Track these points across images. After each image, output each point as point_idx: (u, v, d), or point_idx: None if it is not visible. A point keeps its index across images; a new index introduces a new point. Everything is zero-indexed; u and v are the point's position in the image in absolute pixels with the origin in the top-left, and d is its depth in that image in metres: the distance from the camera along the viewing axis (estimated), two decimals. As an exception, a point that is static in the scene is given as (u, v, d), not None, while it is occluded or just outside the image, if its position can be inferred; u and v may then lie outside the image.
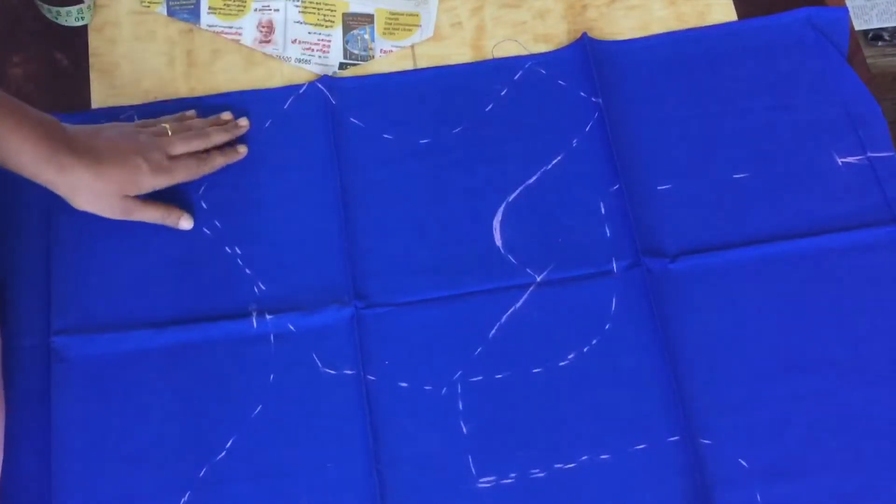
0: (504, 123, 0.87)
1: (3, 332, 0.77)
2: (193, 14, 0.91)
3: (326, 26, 0.91)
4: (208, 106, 0.86)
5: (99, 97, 0.87)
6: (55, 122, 0.75)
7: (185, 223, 0.81)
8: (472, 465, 0.76)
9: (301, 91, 0.87)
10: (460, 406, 0.77)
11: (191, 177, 0.81)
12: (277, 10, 0.91)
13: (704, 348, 0.80)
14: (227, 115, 0.85)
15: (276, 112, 0.87)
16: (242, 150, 0.84)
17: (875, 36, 1.22)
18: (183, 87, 0.88)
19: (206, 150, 0.83)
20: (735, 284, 0.82)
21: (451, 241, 0.83)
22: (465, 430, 0.77)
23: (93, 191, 0.75)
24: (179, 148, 0.80)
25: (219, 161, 0.83)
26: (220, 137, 0.83)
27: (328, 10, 0.92)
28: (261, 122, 0.86)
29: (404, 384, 0.78)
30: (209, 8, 0.91)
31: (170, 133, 0.81)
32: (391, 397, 0.77)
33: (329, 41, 0.91)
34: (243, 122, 0.85)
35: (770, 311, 0.81)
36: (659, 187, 0.86)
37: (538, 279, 0.82)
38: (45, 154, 0.72)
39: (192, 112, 0.85)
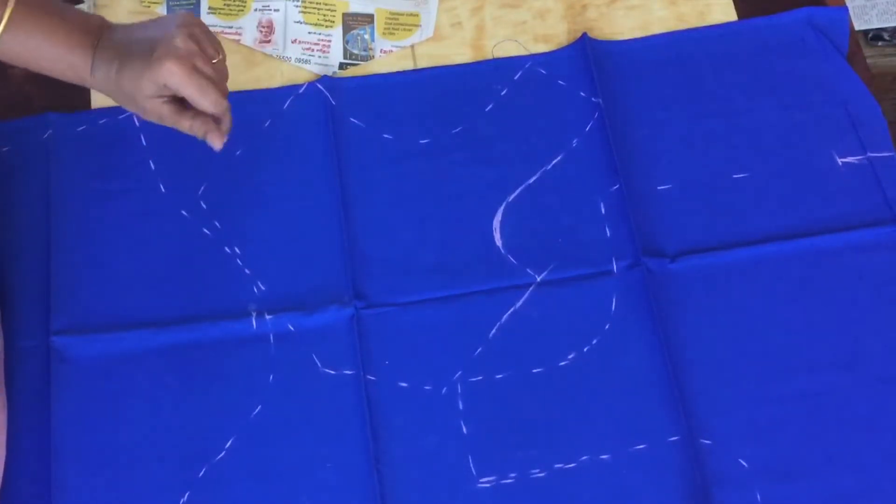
0: (504, 123, 0.87)
1: (3, 333, 0.77)
2: (193, 14, 0.91)
3: (326, 26, 0.91)
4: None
5: (99, 97, 0.87)
6: (99, 18, 0.70)
7: (216, 141, 0.71)
8: (472, 464, 0.76)
9: (300, 91, 0.88)
10: (460, 406, 0.77)
11: (219, 111, 0.70)
12: (277, 10, 0.91)
13: (704, 348, 0.80)
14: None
15: (276, 112, 0.87)
16: (219, 144, 0.72)
17: (875, 36, 1.21)
18: (183, 88, 0.88)
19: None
20: (735, 284, 0.82)
21: (451, 242, 0.83)
22: (465, 430, 0.77)
23: (118, 94, 0.69)
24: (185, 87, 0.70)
25: (197, 126, 0.71)
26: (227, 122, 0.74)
27: (328, 10, 0.92)
28: (260, 122, 0.86)
29: (404, 384, 0.78)
30: (209, 8, 0.91)
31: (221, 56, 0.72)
32: (391, 397, 0.77)
33: (329, 41, 0.91)
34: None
35: (770, 311, 0.81)
36: (659, 187, 0.86)
37: (538, 279, 0.82)
38: (81, 57, 0.67)
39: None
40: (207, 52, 0.70)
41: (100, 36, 0.68)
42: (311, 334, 0.79)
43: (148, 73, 0.67)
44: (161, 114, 0.70)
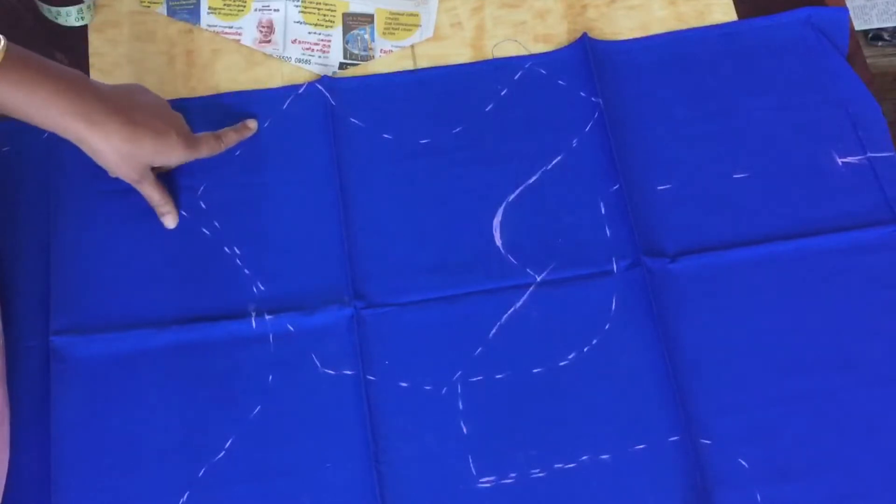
0: (504, 123, 0.87)
1: (3, 333, 0.77)
2: (193, 14, 0.91)
3: (326, 26, 0.91)
4: (208, 106, 0.86)
5: (99, 97, 0.87)
6: (81, 75, 0.73)
7: (170, 221, 0.81)
8: (472, 464, 0.76)
9: (300, 91, 0.87)
10: (460, 406, 0.77)
11: (211, 153, 0.82)
12: (277, 10, 0.91)
13: (704, 348, 0.80)
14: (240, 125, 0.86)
15: (275, 112, 0.87)
16: (252, 124, 0.85)
17: (875, 36, 1.22)
18: (183, 87, 0.88)
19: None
20: (735, 284, 0.82)
21: (451, 242, 0.83)
22: (465, 430, 0.77)
23: (121, 153, 0.73)
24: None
25: (232, 137, 0.83)
26: (228, 134, 0.84)
27: (328, 10, 0.92)
28: (260, 122, 0.86)
29: (404, 384, 0.78)
30: (209, 8, 0.91)
31: None
32: (391, 397, 0.77)
33: (329, 41, 0.91)
34: (251, 123, 0.86)
35: (770, 311, 0.81)
36: (659, 187, 0.86)
37: (538, 279, 0.82)
38: (73, 106, 0.70)
39: None
40: None
41: (86, 92, 0.71)
42: (311, 334, 0.79)
43: (178, 150, 0.77)
44: (149, 180, 0.79)
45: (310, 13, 0.92)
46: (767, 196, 0.86)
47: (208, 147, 0.81)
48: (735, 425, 0.77)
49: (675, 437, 0.77)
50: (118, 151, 0.73)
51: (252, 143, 0.85)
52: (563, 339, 0.80)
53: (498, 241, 0.83)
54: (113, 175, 0.76)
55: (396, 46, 0.91)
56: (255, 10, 0.91)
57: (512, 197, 0.85)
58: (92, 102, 0.71)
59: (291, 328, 0.79)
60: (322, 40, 0.91)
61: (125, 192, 0.82)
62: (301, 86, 0.88)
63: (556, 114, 0.88)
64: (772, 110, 0.89)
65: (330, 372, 0.78)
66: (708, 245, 0.83)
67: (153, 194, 0.79)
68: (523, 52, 0.91)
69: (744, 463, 0.76)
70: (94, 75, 0.88)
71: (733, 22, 0.93)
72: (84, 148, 0.73)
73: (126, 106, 0.73)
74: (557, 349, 0.79)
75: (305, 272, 0.81)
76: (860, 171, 0.87)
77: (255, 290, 0.80)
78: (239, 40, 0.90)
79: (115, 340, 0.78)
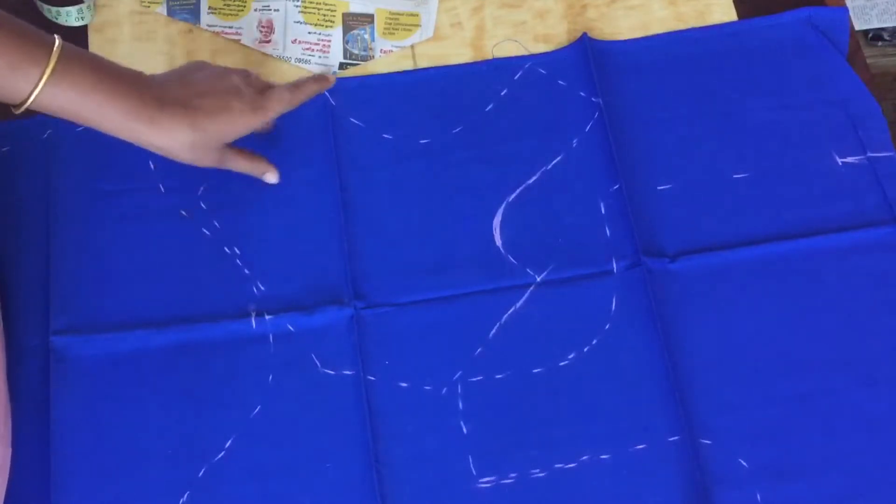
0: (504, 123, 0.87)
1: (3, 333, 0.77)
2: (193, 14, 0.91)
3: (326, 26, 0.91)
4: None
5: (99, 97, 0.87)
6: (139, 74, 0.72)
7: (272, 177, 0.81)
8: (472, 464, 0.76)
9: (298, 91, 0.87)
10: (460, 406, 0.77)
11: (287, 107, 0.79)
12: (277, 10, 0.91)
13: (704, 348, 0.80)
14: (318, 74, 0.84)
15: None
16: (332, 77, 0.84)
17: (875, 36, 1.22)
18: (183, 88, 0.88)
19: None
20: (735, 284, 0.82)
21: (451, 241, 0.83)
22: (465, 430, 0.77)
23: (190, 143, 0.72)
24: (268, 82, 0.79)
25: (312, 87, 0.81)
26: (307, 84, 0.82)
27: (328, 10, 0.92)
28: (258, 121, 0.86)
29: (404, 384, 0.78)
30: (209, 8, 0.91)
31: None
32: (391, 397, 0.77)
33: (329, 41, 0.91)
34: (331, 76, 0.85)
35: (770, 311, 0.81)
36: (659, 187, 0.86)
37: (538, 279, 0.82)
38: (133, 110, 0.69)
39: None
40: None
41: (146, 91, 0.70)
42: (311, 334, 0.79)
43: (247, 121, 0.75)
44: (228, 158, 0.77)
45: (310, 13, 0.92)
46: (767, 196, 0.86)
47: (280, 103, 0.77)
48: (735, 425, 0.77)
49: (675, 437, 0.77)
50: (184, 144, 0.72)
51: (251, 143, 0.85)
52: (563, 339, 0.80)
53: (498, 241, 0.83)
54: (195, 164, 0.75)
55: (396, 46, 0.91)
56: (255, 10, 0.91)
57: (512, 197, 0.85)
58: (149, 101, 0.70)
59: (291, 328, 0.79)
60: (322, 40, 0.91)
61: (125, 192, 0.82)
62: (299, 86, 0.88)
63: (556, 114, 0.88)
64: (772, 110, 0.89)
65: (330, 372, 0.78)
66: (708, 245, 0.83)
67: (241, 166, 0.79)
68: (523, 52, 0.91)
69: (744, 463, 0.76)
70: (94, 75, 0.88)
71: (733, 22, 0.93)
72: (150, 148, 0.72)
73: (183, 95, 0.72)
74: (557, 349, 0.79)
75: (305, 272, 0.81)
76: (860, 171, 0.87)
77: (254, 290, 0.80)
78: (239, 40, 0.90)
79: (115, 340, 0.78)
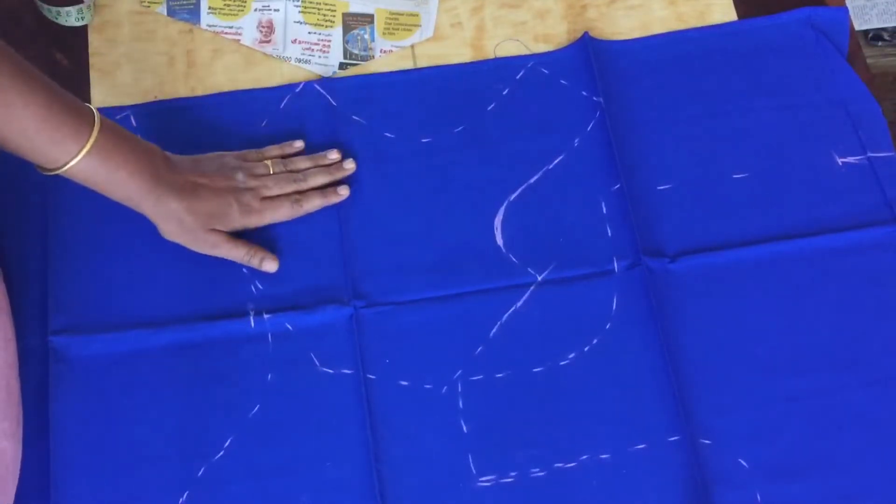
0: (506, 123, 0.87)
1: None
2: (193, 14, 0.91)
3: (326, 26, 0.91)
4: (207, 106, 0.86)
5: (99, 97, 0.87)
6: (158, 151, 0.76)
7: (269, 265, 0.80)
8: (472, 464, 0.76)
9: (297, 90, 0.87)
10: (461, 405, 0.77)
11: (283, 219, 0.81)
12: (277, 10, 0.91)
13: (704, 348, 0.80)
14: (333, 155, 0.84)
15: (273, 111, 0.87)
16: (344, 191, 0.83)
17: (875, 36, 1.21)
18: (183, 87, 0.88)
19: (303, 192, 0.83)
20: (735, 284, 0.82)
21: (452, 241, 0.83)
22: (465, 428, 0.77)
23: (182, 224, 0.77)
24: (274, 190, 0.81)
25: (316, 203, 0.82)
26: (318, 179, 0.83)
27: (328, 10, 0.92)
28: (257, 121, 0.86)
29: (405, 383, 0.78)
30: (209, 8, 0.91)
31: (271, 170, 0.82)
32: (391, 396, 0.77)
33: (329, 41, 0.91)
34: (349, 164, 0.84)
35: (770, 311, 0.81)
36: (659, 187, 0.85)
37: (539, 278, 0.82)
38: (147, 188, 0.74)
39: (299, 143, 0.85)
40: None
41: (157, 170, 0.75)
42: (310, 333, 0.79)
43: (239, 219, 0.79)
44: (222, 243, 0.79)
45: (310, 13, 0.92)
46: (767, 196, 0.86)
47: (276, 213, 0.81)
48: (735, 425, 0.77)
49: (675, 437, 0.77)
50: (179, 223, 0.77)
51: (250, 142, 0.85)
52: (563, 339, 0.80)
53: (499, 241, 0.83)
54: (187, 246, 0.79)
55: (396, 46, 0.91)
56: (255, 10, 0.91)
57: (513, 196, 0.85)
58: (165, 181, 0.75)
59: (290, 327, 0.79)
60: (322, 40, 0.91)
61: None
62: (298, 85, 0.88)
63: (558, 113, 0.88)
64: (772, 110, 0.89)
65: (329, 371, 0.78)
66: (708, 245, 0.83)
67: (235, 254, 0.79)
68: (525, 52, 0.91)
69: (743, 463, 0.76)
70: (94, 75, 0.88)
71: (733, 22, 0.93)
72: (150, 219, 0.77)
73: (191, 184, 0.77)
74: (558, 348, 0.79)
75: (304, 271, 0.81)
76: (860, 171, 0.87)
77: (253, 289, 0.80)
78: (239, 40, 0.90)
79: (114, 340, 0.78)
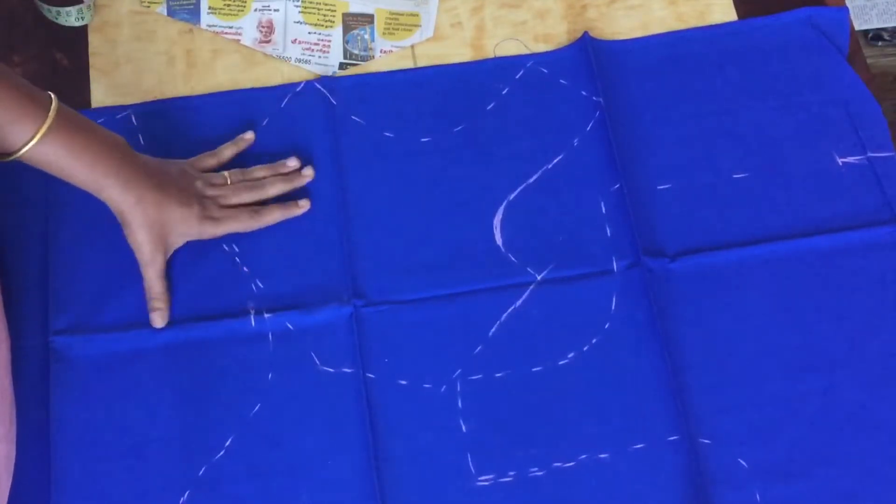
0: (505, 122, 0.87)
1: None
2: (193, 14, 0.91)
3: (326, 26, 0.92)
4: (208, 105, 0.86)
5: (99, 97, 0.87)
6: (124, 142, 0.75)
7: (158, 320, 0.78)
8: (471, 463, 0.76)
9: (298, 89, 0.88)
10: (460, 404, 0.77)
11: (242, 229, 0.81)
12: (277, 10, 0.92)
13: (704, 348, 0.80)
14: (292, 163, 0.84)
15: (273, 111, 0.87)
16: (304, 203, 0.83)
17: (875, 36, 1.22)
18: (183, 87, 0.88)
19: (264, 202, 0.83)
20: (735, 284, 0.82)
21: (451, 240, 0.83)
22: (464, 428, 0.77)
23: (147, 217, 0.75)
24: (232, 200, 0.81)
25: (276, 215, 0.81)
26: (276, 189, 0.82)
27: (328, 10, 0.92)
28: (258, 120, 0.86)
29: (404, 382, 0.78)
30: (209, 8, 0.91)
31: (228, 180, 0.81)
32: (391, 395, 0.77)
33: (329, 41, 0.91)
34: (307, 171, 0.84)
35: (770, 311, 0.81)
36: (659, 187, 0.86)
37: (538, 278, 0.82)
38: (114, 170, 0.73)
39: (250, 135, 0.85)
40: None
41: (124, 158, 0.74)
42: (310, 332, 0.79)
43: (203, 230, 0.78)
44: (160, 263, 0.78)
45: (310, 13, 0.92)
46: (767, 196, 0.86)
47: (235, 223, 0.80)
48: (735, 425, 0.77)
49: (675, 437, 0.77)
50: (146, 215, 0.75)
51: (252, 146, 0.85)
52: (562, 338, 0.80)
53: (498, 240, 0.83)
54: (135, 246, 0.77)
55: (396, 46, 0.91)
56: (255, 10, 0.91)
57: (513, 196, 0.85)
58: (131, 168, 0.74)
59: (291, 326, 0.79)
60: (322, 40, 0.91)
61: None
62: (299, 84, 0.88)
63: (558, 113, 0.88)
64: (772, 110, 0.89)
65: (329, 370, 0.78)
66: (708, 245, 0.83)
67: (155, 283, 0.78)
68: (525, 52, 0.91)
69: (743, 462, 0.76)
70: (94, 75, 0.88)
71: (733, 22, 0.93)
72: (115, 210, 0.75)
73: (158, 172, 0.76)
74: (557, 348, 0.79)
75: (304, 270, 0.81)
76: (860, 171, 0.87)
77: (254, 288, 0.80)
78: (239, 40, 0.90)
79: (114, 340, 0.78)
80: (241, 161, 0.84)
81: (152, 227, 0.76)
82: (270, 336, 0.79)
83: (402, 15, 0.92)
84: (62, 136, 0.70)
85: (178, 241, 0.79)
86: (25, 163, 0.70)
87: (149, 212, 0.75)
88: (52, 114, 0.69)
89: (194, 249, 0.81)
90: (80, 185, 0.73)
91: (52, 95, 0.70)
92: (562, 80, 0.89)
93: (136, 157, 0.76)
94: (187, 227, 0.78)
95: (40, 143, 0.69)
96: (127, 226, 0.76)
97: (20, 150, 0.69)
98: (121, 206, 0.74)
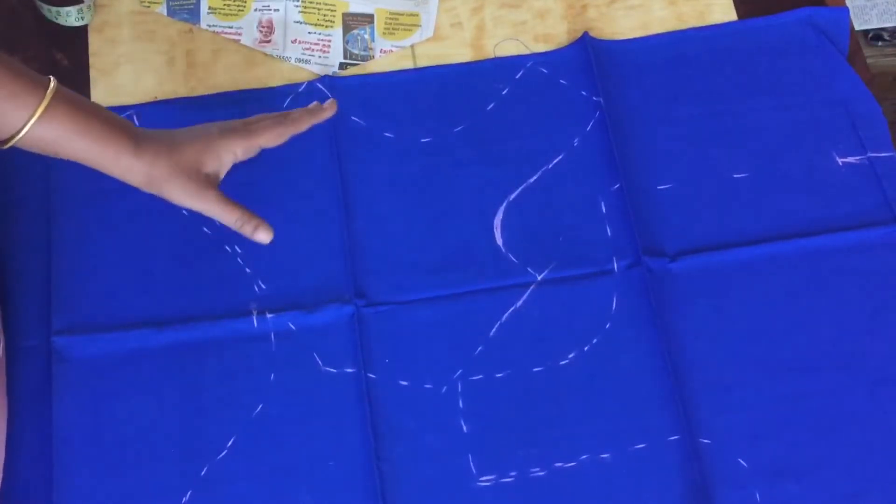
0: (505, 122, 0.87)
1: (4, 333, 0.77)
2: (193, 14, 0.91)
3: (326, 26, 0.92)
4: (211, 106, 0.86)
5: (99, 97, 0.87)
6: (127, 120, 0.72)
7: (263, 235, 0.74)
8: (472, 463, 0.76)
9: (300, 90, 0.88)
10: (461, 405, 0.77)
11: (274, 139, 0.75)
12: (277, 10, 0.92)
13: (704, 348, 0.80)
14: (312, 105, 0.80)
15: (276, 111, 0.86)
16: (330, 105, 0.78)
17: (875, 36, 1.21)
18: (183, 87, 0.88)
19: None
20: (735, 284, 0.82)
21: (451, 240, 0.83)
22: (465, 428, 0.77)
23: (169, 168, 0.70)
24: (257, 124, 0.75)
25: (304, 119, 0.76)
26: (305, 122, 0.77)
27: (328, 10, 0.92)
28: (260, 121, 0.86)
29: (405, 382, 0.78)
30: (209, 8, 0.91)
31: None
32: (392, 396, 0.77)
33: (329, 41, 0.91)
34: (330, 104, 0.79)
35: (770, 310, 0.82)
36: (659, 187, 0.86)
37: (539, 278, 0.82)
38: (120, 143, 0.68)
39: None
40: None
41: (131, 127, 0.70)
42: (312, 333, 0.79)
43: (226, 141, 0.72)
44: (215, 198, 0.72)
45: (310, 13, 0.92)
46: (767, 196, 0.86)
47: (266, 131, 0.74)
48: (735, 425, 0.78)
49: (675, 437, 0.77)
50: (167, 168, 0.70)
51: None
52: (563, 339, 0.80)
53: (499, 240, 0.83)
54: (179, 203, 0.72)
55: (396, 46, 0.91)
56: (255, 10, 0.91)
57: (513, 196, 0.85)
58: (137, 133, 0.70)
59: (293, 326, 0.79)
60: (322, 40, 0.91)
61: (125, 191, 0.81)
62: (301, 84, 0.88)
63: (558, 113, 0.88)
64: (772, 110, 0.89)
65: (331, 370, 0.78)
66: (708, 245, 0.84)
67: (228, 215, 0.73)
68: (525, 52, 0.91)
69: (743, 462, 0.76)
70: (94, 75, 0.88)
71: (733, 22, 0.93)
72: (135, 182, 0.70)
73: (166, 132, 0.72)
74: (558, 348, 0.80)
75: (306, 271, 0.81)
76: (860, 171, 0.87)
77: (256, 288, 0.80)
78: (239, 40, 0.90)
79: (116, 340, 0.78)
80: (247, 162, 0.84)
81: (180, 175, 0.70)
82: (273, 336, 0.79)
83: (402, 15, 0.92)
84: (65, 112, 0.66)
85: (216, 170, 0.73)
86: (33, 148, 0.67)
87: (170, 163, 0.70)
88: (51, 89, 0.66)
89: (196, 249, 0.81)
90: (90, 163, 0.69)
91: (52, 77, 0.67)
92: (562, 80, 0.89)
93: (143, 129, 0.71)
94: (217, 151, 0.72)
95: (44, 120, 0.66)
96: (158, 190, 0.70)
97: (24, 127, 0.65)
98: (137, 172, 0.70)
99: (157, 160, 0.70)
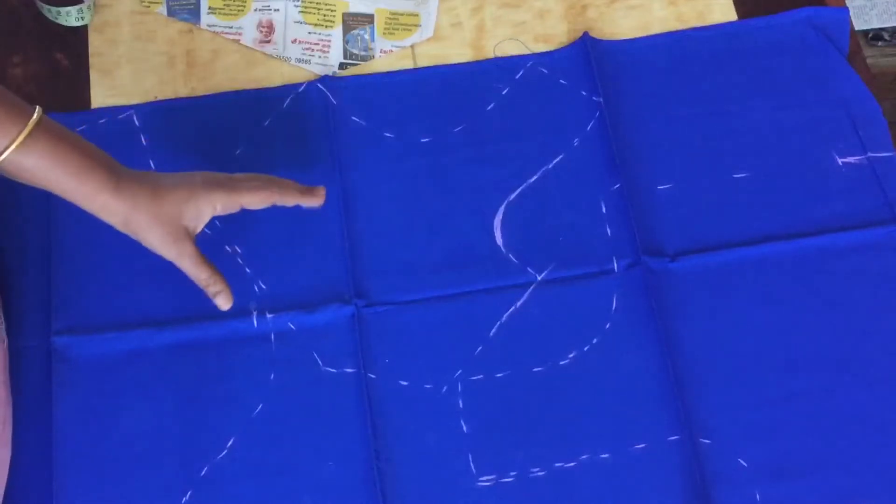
0: (505, 122, 0.87)
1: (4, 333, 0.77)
2: (193, 14, 0.91)
3: (326, 26, 0.91)
4: (211, 106, 0.86)
5: (99, 97, 0.87)
6: (109, 155, 0.71)
7: (223, 301, 0.74)
8: (472, 463, 0.76)
9: (300, 90, 0.88)
10: (460, 405, 0.77)
11: (257, 202, 0.73)
12: (277, 10, 0.92)
13: (704, 348, 0.80)
14: (306, 187, 0.77)
15: (275, 111, 0.87)
16: (321, 194, 0.76)
17: (875, 36, 1.22)
18: (183, 87, 0.88)
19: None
20: (735, 284, 0.82)
21: (451, 240, 0.83)
22: (465, 428, 0.77)
23: (149, 215, 0.69)
24: (245, 181, 0.74)
25: (291, 194, 0.74)
26: (293, 195, 0.75)
27: (328, 10, 0.92)
28: (260, 121, 0.86)
29: (405, 382, 0.78)
30: (209, 8, 0.91)
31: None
32: (392, 396, 0.77)
33: (329, 41, 0.91)
34: (320, 191, 0.77)
35: (770, 310, 0.82)
36: (659, 187, 0.86)
37: (539, 278, 0.82)
38: (102, 176, 0.68)
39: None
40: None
41: (114, 166, 0.69)
42: (312, 333, 0.79)
43: (209, 195, 0.71)
44: (190, 251, 0.71)
45: (310, 13, 0.92)
46: (767, 196, 0.86)
47: (250, 191, 0.72)
48: (735, 425, 0.78)
49: (675, 437, 0.77)
50: (146, 213, 0.69)
51: (252, 141, 0.85)
52: (563, 338, 0.80)
53: (499, 240, 0.83)
54: (153, 249, 0.71)
55: (396, 46, 0.91)
56: (255, 10, 0.91)
57: (513, 196, 0.85)
58: (119, 172, 0.69)
59: (293, 326, 0.79)
60: (322, 40, 0.91)
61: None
62: (301, 85, 0.88)
63: (558, 113, 0.88)
64: (772, 110, 0.89)
65: (331, 370, 0.78)
66: (708, 245, 0.84)
67: (197, 271, 0.72)
68: (525, 52, 0.91)
69: (743, 462, 0.76)
70: (94, 76, 0.88)
71: (733, 22, 0.93)
72: (113, 221, 0.70)
73: (151, 176, 0.71)
74: (558, 348, 0.80)
75: (306, 271, 0.81)
76: (860, 171, 0.87)
77: (256, 288, 0.80)
78: (239, 40, 0.90)
79: (116, 340, 0.78)
80: (247, 162, 0.84)
81: (160, 222, 0.70)
82: (273, 336, 0.79)
83: (402, 15, 0.92)
84: (46, 142, 0.66)
85: (194, 222, 0.72)
86: (13, 175, 0.67)
87: (150, 209, 0.69)
88: (34, 119, 0.65)
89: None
90: (68, 196, 0.68)
91: (39, 108, 0.67)
92: (562, 81, 0.89)
93: (125, 168, 0.70)
94: (198, 203, 0.71)
95: (24, 149, 0.65)
96: (134, 233, 0.70)
97: (1, 154, 0.65)
98: (116, 213, 0.69)
99: (138, 204, 0.69)
